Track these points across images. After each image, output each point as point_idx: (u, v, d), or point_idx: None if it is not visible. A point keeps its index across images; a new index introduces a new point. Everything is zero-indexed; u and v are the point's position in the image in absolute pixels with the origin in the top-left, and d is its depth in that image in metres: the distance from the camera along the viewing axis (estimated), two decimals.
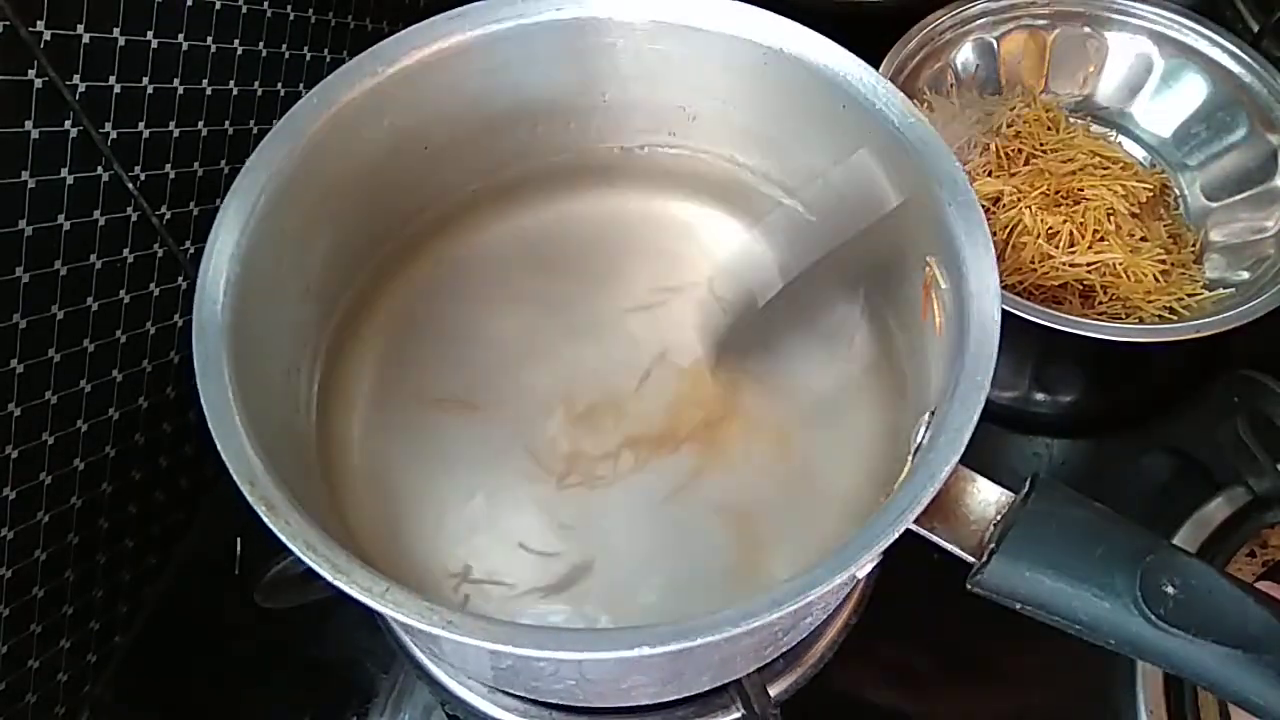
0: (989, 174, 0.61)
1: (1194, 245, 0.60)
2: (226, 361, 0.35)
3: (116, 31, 0.44)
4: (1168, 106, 0.65)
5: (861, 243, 0.45)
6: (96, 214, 0.46)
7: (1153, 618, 0.32)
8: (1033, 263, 0.57)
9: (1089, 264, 0.57)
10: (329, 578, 0.31)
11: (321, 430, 0.44)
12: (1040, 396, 0.60)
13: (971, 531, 0.34)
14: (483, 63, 0.44)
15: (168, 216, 0.50)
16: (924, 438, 0.35)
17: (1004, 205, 0.59)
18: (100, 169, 0.45)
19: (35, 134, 0.41)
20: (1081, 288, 0.57)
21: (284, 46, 0.56)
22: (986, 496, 0.35)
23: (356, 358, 0.46)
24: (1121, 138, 0.66)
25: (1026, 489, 0.35)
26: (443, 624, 0.30)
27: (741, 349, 0.47)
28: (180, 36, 0.48)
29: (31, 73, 0.41)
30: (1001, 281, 0.36)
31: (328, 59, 0.59)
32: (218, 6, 0.50)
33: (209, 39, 0.50)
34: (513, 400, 0.46)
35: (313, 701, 0.51)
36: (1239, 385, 0.54)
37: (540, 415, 0.46)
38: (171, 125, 0.49)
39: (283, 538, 0.32)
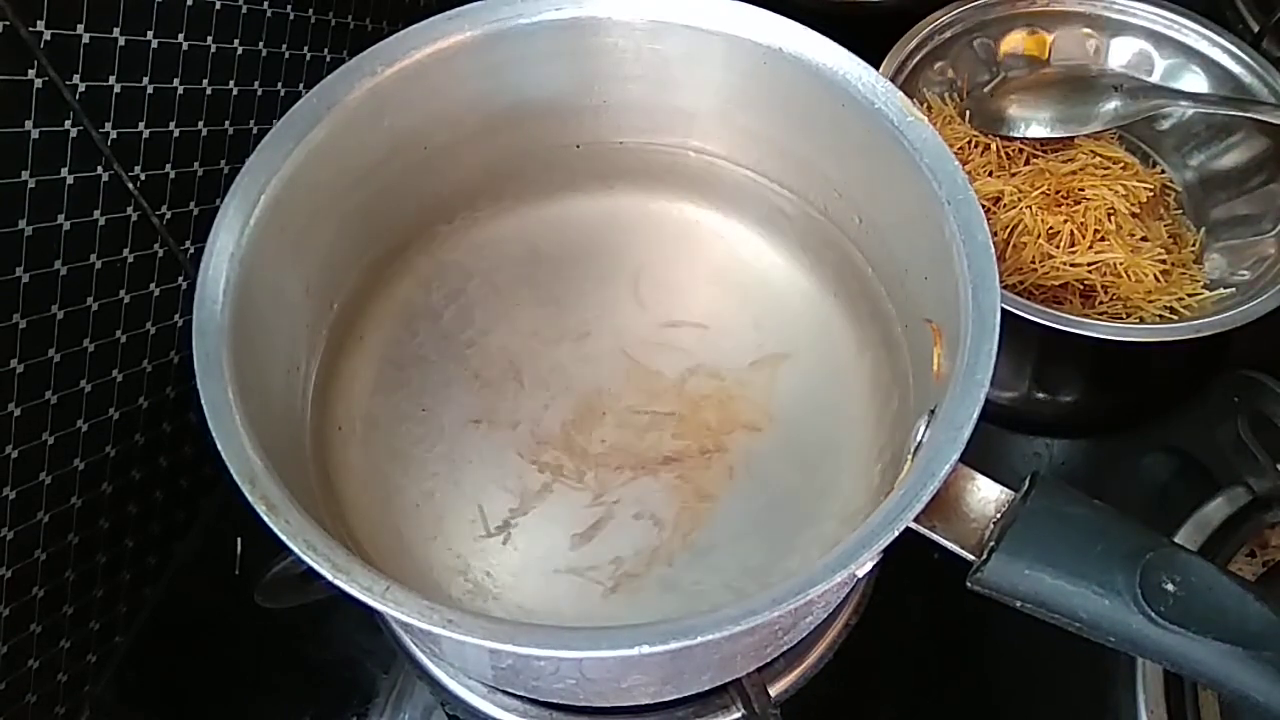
0: (989, 174, 0.61)
1: (1194, 245, 0.60)
2: (226, 361, 0.35)
3: (116, 31, 0.44)
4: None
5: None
6: (96, 214, 0.46)
7: (1153, 615, 0.32)
8: (1033, 263, 0.57)
9: (1089, 264, 0.57)
10: (329, 577, 0.31)
11: (321, 429, 0.44)
12: (1040, 396, 0.60)
13: (971, 529, 0.34)
14: (482, 63, 0.44)
15: (168, 216, 0.50)
16: (924, 436, 0.35)
17: (1004, 205, 0.59)
18: (100, 169, 0.45)
19: (35, 134, 0.41)
20: (1082, 288, 0.57)
21: (284, 46, 0.56)
22: (986, 495, 0.35)
23: (356, 357, 0.47)
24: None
25: (1026, 487, 0.35)
26: (443, 623, 0.30)
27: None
28: (180, 36, 0.48)
29: (31, 73, 0.41)
30: (1002, 281, 0.36)
31: (328, 59, 0.59)
32: (218, 6, 0.50)
33: (209, 39, 0.50)
34: (511, 400, 0.46)
35: (313, 701, 0.51)
36: (1239, 385, 0.54)
37: (538, 416, 0.46)
38: (171, 125, 0.49)
39: (283, 537, 0.32)
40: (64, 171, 0.43)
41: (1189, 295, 0.57)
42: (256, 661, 0.53)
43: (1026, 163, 0.61)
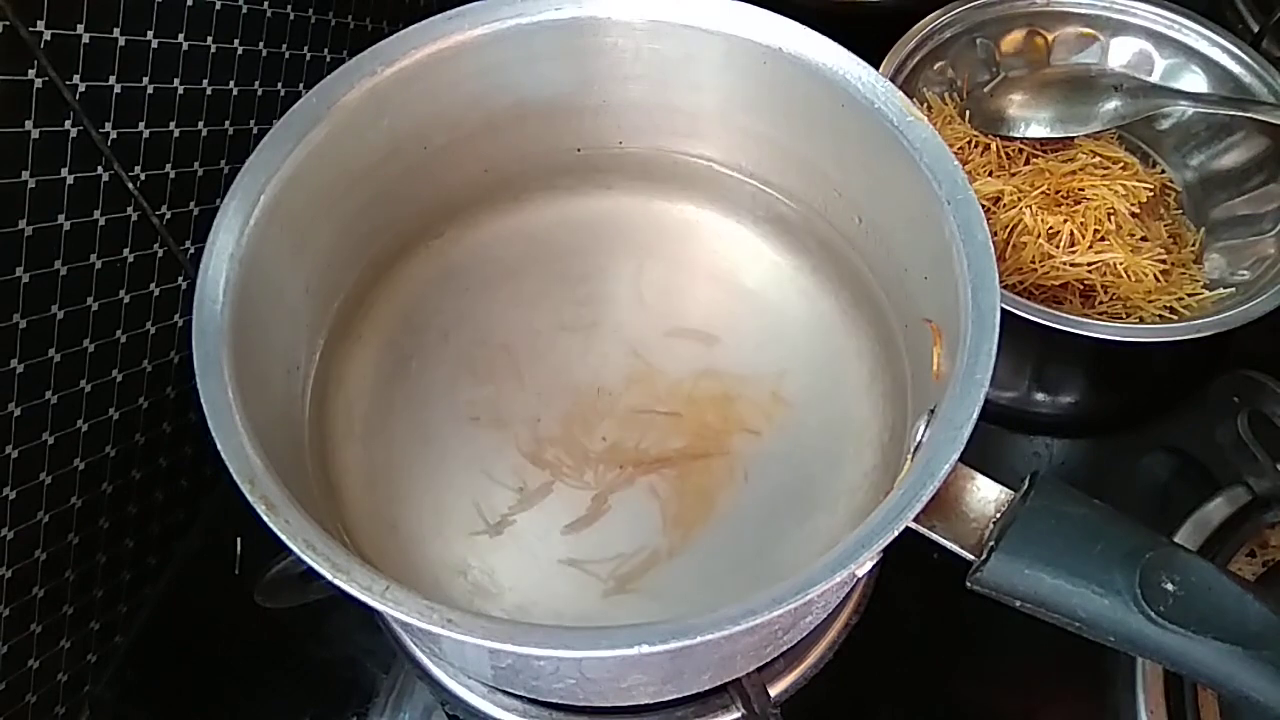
0: (989, 174, 0.61)
1: (1194, 245, 0.60)
2: (226, 361, 0.35)
3: (116, 31, 0.44)
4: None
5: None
6: (96, 214, 0.46)
7: (1152, 614, 0.32)
8: (1033, 263, 0.57)
9: (1089, 264, 0.57)
10: (328, 576, 0.31)
11: (321, 429, 0.44)
12: (1040, 396, 0.60)
13: (971, 529, 0.34)
14: (482, 63, 0.44)
15: (168, 216, 0.50)
16: (923, 436, 0.35)
17: (1004, 205, 0.59)
18: (100, 169, 0.45)
19: (35, 134, 0.41)
20: (1082, 288, 0.57)
21: (284, 46, 0.56)
22: (986, 494, 0.35)
23: (356, 357, 0.47)
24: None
25: (1026, 486, 0.35)
26: (442, 622, 0.30)
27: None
28: (180, 36, 0.48)
29: (31, 73, 0.41)
30: (1001, 281, 0.36)
31: (328, 59, 0.59)
32: (218, 6, 0.50)
33: (209, 39, 0.50)
34: (511, 399, 0.46)
35: (313, 701, 0.51)
36: (1239, 385, 0.54)
37: (539, 414, 0.46)
38: (171, 125, 0.49)
39: (282, 537, 0.32)
40: (64, 171, 0.43)
41: (1189, 295, 0.57)
42: (256, 661, 0.53)
43: (1026, 163, 0.61)
